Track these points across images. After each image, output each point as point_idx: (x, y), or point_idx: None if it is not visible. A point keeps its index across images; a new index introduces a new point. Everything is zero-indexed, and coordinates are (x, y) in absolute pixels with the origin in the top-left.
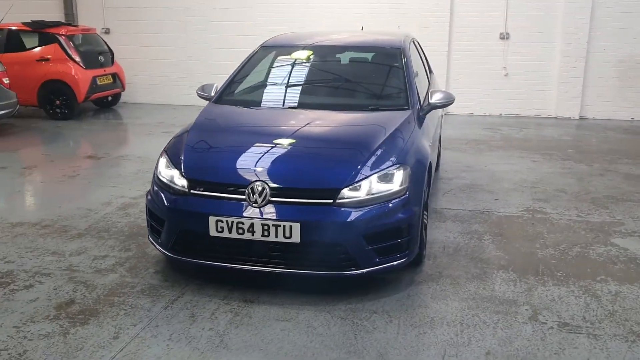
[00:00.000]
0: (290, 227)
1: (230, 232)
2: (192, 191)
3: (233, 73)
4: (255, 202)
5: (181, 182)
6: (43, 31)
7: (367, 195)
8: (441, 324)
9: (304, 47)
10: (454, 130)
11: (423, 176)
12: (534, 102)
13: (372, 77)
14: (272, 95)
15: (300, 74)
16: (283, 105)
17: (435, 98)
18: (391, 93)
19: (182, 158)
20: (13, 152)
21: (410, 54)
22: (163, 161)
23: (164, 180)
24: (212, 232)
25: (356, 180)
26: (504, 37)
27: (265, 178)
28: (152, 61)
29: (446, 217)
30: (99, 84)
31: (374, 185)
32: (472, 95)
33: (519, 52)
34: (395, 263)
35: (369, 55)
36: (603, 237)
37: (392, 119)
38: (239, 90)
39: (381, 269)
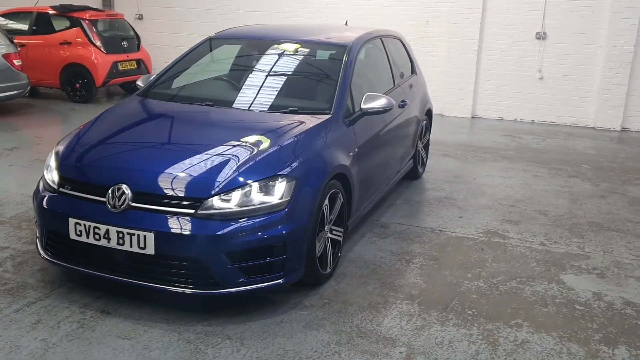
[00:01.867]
0: (145, 237)
1: (87, 236)
2: (60, 189)
3: (169, 65)
4: (114, 206)
5: (54, 178)
6: (68, 15)
7: (239, 207)
8: None
9: (248, 41)
10: (468, 136)
11: (317, 189)
12: (570, 110)
13: (306, 76)
14: (194, 91)
15: (233, 69)
16: (200, 101)
17: (369, 103)
18: (318, 95)
19: (61, 152)
20: (11, 132)
21: (356, 54)
22: (52, 154)
23: (44, 174)
24: (72, 235)
25: (226, 189)
26: (541, 36)
27: (129, 181)
28: (181, 48)
29: (389, 233)
30: (120, 69)
31: (250, 196)
32: (503, 98)
33: (556, 54)
34: (265, 284)
35: (312, 53)
36: (553, 272)
37: (301, 124)
38: (167, 83)
39: (248, 290)
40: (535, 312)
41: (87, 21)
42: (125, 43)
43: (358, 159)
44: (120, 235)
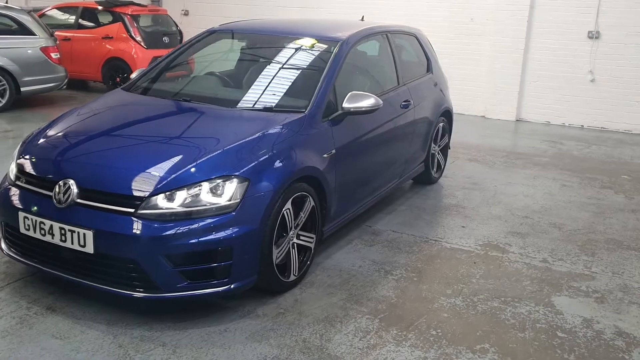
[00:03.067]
0: (84, 235)
1: (35, 231)
2: (17, 182)
3: (162, 58)
4: (60, 201)
5: (13, 170)
6: (111, 10)
7: (183, 207)
8: None
9: (242, 36)
10: (506, 140)
11: (274, 192)
12: (624, 115)
13: (291, 72)
14: (174, 85)
15: (220, 62)
16: (178, 96)
17: (351, 103)
18: (297, 92)
19: (23, 144)
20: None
21: (347, 51)
22: (19, 145)
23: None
24: (22, 229)
25: (170, 188)
26: (593, 36)
27: (77, 176)
28: None
29: (379, 241)
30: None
31: (197, 197)
32: (551, 101)
33: (610, 55)
34: (210, 291)
35: (302, 49)
36: (545, 293)
37: (269, 122)
38: (153, 77)
39: (191, 295)
40: (507, 337)
41: (128, 16)
42: (166, 38)
43: (337, 161)
44: (63, 231)
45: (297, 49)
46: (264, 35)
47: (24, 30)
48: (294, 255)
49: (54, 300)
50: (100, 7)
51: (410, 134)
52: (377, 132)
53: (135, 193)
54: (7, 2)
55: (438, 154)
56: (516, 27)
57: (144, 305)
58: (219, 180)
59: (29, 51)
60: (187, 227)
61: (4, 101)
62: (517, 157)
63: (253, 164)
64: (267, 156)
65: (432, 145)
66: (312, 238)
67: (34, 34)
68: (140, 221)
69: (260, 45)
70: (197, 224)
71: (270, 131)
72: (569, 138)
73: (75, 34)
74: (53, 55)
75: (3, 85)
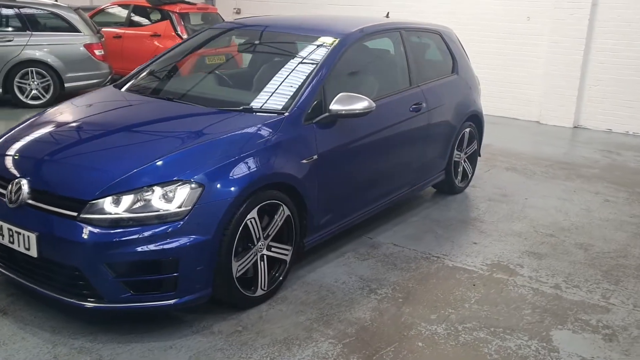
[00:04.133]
0: (28, 237)
1: None
2: None
3: (160, 54)
4: (11, 201)
5: None
6: (160, 7)
7: (127, 213)
8: None
9: (239, 32)
10: (555, 148)
11: (234, 200)
12: None
13: (280, 72)
14: (161, 82)
15: (214, 59)
16: (156, 93)
17: (340, 105)
18: (283, 92)
19: None
20: None
21: (343, 50)
22: None
23: None
24: None
25: (115, 192)
26: None
27: (30, 175)
28: None
29: (375, 255)
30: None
31: (145, 202)
32: (613, 107)
33: None
34: (155, 304)
35: (298, 47)
36: (546, 325)
37: (243, 124)
38: (148, 73)
39: (136, 307)
40: None
41: (176, 14)
42: None
43: (321, 168)
44: (11, 233)
45: (291, 47)
46: (261, 32)
47: (69, 27)
48: (263, 269)
49: (9, 303)
50: (148, 5)
51: (423, 140)
52: (375, 137)
53: (79, 196)
54: (56, 0)
55: (464, 162)
56: (576, 26)
57: (99, 313)
58: (172, 185)
59: (73, 48)
60: (130, 234)
61: (48, 96)
62: (561, 167)
63: (211, 168)
64: (229, 160)
65: (456, 152)
66: (288, 250)
67: (79, 31)
68: (83, 226)
69: (255, 42)
70: (141, 232)
71: (240, 133)
72: (628, 148)
73: (126, 32)
74: (97, 52)
75: (47, 81)
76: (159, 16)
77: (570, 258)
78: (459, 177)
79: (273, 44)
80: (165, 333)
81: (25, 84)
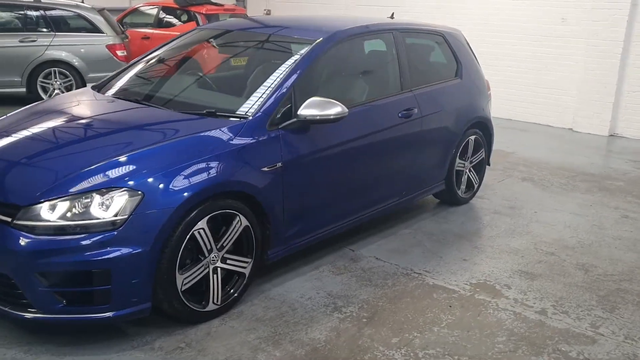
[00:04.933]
0: None
1: None
2: None
3: (144, 54)
4: None
5: None
6: (186, 9)
7: (62, 220)
8: None
9: (220, 33)
10: (583, 157)
11: (176, 209)
12: None
13: (253, 74)
14: (137, 83)
15: (187, 62)
16: (127, 96)
17: (309, 110)
18: (250, 95)
19: None
20: None
21: (319, 51)
22: None
23: None
24: None
25: (52, 197)
26: None
27: None
28: None
29: (352, 269)
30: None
31: (86, 209)
32: None
33: None
34: (89, 316)
35: (275, 49)
36: (518, 356)
37: (200, 128)
38: (130, 74)
39: (69, 319)
40: None
41: (202, 15)
42: None
43: (287, 176)
44: None
45: (266, 49)
46: (242, 33)
47: (93, 28)
48: (215, 282)
49: None
50: (175, 6)
51: (415, 147)
52: (356, 144)
53: (14, 200)
54: (82, 1)
55: (469, 171)
56: (614, 29)
57: (41, 324)
58: (110, 192)
59: (96, 49)
60: (61, 243)
61: None
62: (584, 179)
63: (153, 175)
64: (175, 167)
65: (458, 161)
66: (247, 263)
67: (101, 32)
68: (15, 232)
69: (234, 44)
70: (73, 241)
71: (194, 138)
72: None
73: (154, 32)
74: (119, 52)
75: (70, 81)
76: (185, 17)
77: (566, 280)
78: (463, 188)
79: (249, 46)
80: (104, 346)
81: (48, 83)
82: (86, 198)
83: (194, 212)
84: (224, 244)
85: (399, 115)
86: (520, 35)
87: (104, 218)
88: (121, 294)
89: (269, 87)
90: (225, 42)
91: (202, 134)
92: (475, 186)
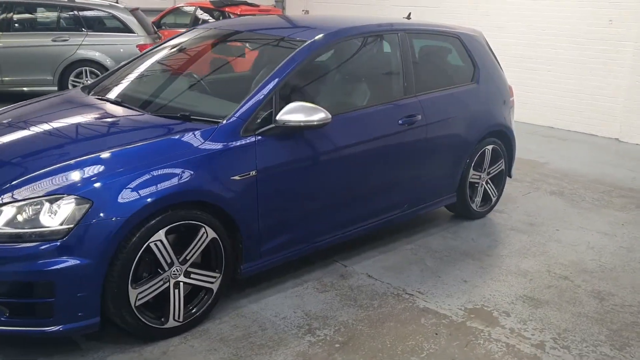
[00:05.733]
0: None
1: None
2: None
3: (136, 56)
4: None
5: None
6: (221, 9)
7: (7, 227)
8: None
9: (211, 33)
10: (624, 171)
11: (129, 219)
12: None
13: (239, 74)
14: (123, 84)
15: (181, 63)
16: (109, 97)
17: (289, 115)
18: (229, 99)
19: None
20: None
21: (307, 53)
22: None
23: None
24: None
25: None
26: None
27: None
28: None
29: (338, 287)
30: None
31: (35, 216)
32: None
33: None
34: (32, 329)
35: (267, 50)
36: None
37: (167, 132)
38: (121, 75)
39: (12, 332)
40: None
41: (237, 15)
42: None
43: (262, 186)
44: None
45: (256, 50)
46: (232, 33)
47: (124, 28)
48: (177, 297)
49: None
50: (211, 7)
51: (418, 157)
52: (344, 153)
53: None
54: (117, 1)
55: (487, 183)
56: None
57: None
58: (59, 200)
59: (126, 48)
60: (4, 252)
61: None
62: (621, 194)
63: (106, 182)
64: (131, 174)
65: (473, 172)
66: (214, 277)
67: (133, 32)
68: None
69: (224, 45)
70: (15, 250)
71: (157, 143)
72: None
73: None
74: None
75: None
76: (222, 18)
77: (575, 309)
78: (477, 201)
79: (237, 47)
80: None
81: (80, 82)
82: (37, 205)
83: (150, 223)
84: (187, 258)
85: (400, 122)
86: (563, 38)
87: (50, 227)
88: (66, 308)
89: (249, 91)
90: (215, 43)
91: (168, 138)
92: (493, 199)
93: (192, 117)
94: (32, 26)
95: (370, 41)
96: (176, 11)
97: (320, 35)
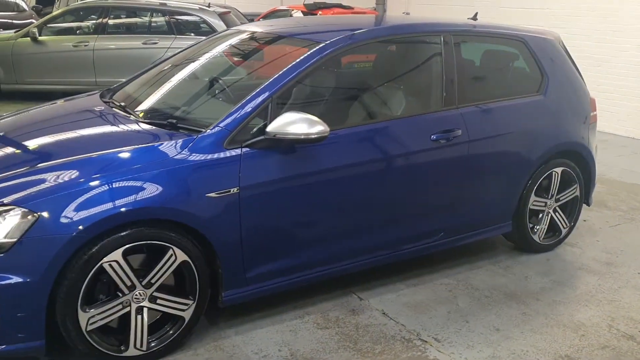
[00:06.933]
0: None
1: None
2: None
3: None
4: None
5: None
6: (314, 12)
7: None
8: None
9: (232, 35)
10: None
11: (81, 236)
12: None
13: (241, 80)
14: (135, 89)
15: (192, 69)
16: (116, 102)
17: (280, 127)
18: (221, 107)
19: None
20: None
21: (313, 59)
22: None
23: None
24: None
25: None
26: None
27: None
28: None
29: (343, 324)
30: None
31: None
32: None
33: None
34: None
35: (279, 54)
36: None
37: (142, 140)
38: (139, 79)
39: None
40: None
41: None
42: None
43: (246, 205)
44: None
45: (268, 55)
46: (245, 38)
47: (212, 31)
48: (139, 324)
49: None
50: (304, 9)
51: (457, 178)
52: (355, 172)
53: None
54: (209, 5)
55: (555, 211)
56: None
57: None
58: (3, 211)
59: None
60: None
61: None
62: None
63: (56, 194)
64: (85, 186)
65: (535, 198)
66: (186, 305)
67: None
68: None
69: (236, 50)
70: None
71: (126, 152)
72: None
73: None
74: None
75: None
76: None
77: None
78: (542, 231)
79: (247, 51)
80: None
81: None
82: None
83: (104, 241)
84: (152, 281)
85: (433, 137)
86: None
87: None
88: (4, 328)
89: (241, 98)
90: (228, 48)
91: (139, 147)
92: (563, 231)
93: (179, 125)
94: (125, 30)
95: (401, 45)
96: (275, 14)
97: (335, 39)
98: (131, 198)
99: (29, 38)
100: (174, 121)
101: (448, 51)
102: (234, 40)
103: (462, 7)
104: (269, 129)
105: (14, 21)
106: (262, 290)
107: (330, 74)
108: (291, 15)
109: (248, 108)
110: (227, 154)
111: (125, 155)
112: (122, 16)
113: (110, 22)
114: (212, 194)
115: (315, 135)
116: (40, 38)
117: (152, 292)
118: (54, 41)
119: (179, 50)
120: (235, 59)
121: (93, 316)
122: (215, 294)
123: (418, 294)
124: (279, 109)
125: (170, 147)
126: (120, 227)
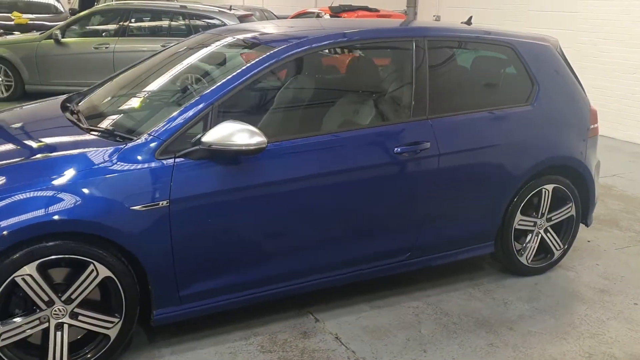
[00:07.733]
0: None
1: None
2: None
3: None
4: None
5: None
6: (339, 15)
7: None
8: None
9: (200, 39)
10: None
11: None
12: None
13: (186, 86)
14: (94, 96)
15: (160, 72)
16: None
17: (215, 137)
18: (163, 114)
19: None
20: None
21: (268, 64)
22: None
23: None
24: None
25: None
26: None
27: None
28: None
29: (288, 348)
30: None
31: None
32: None
33: None
34: None
35: (234, 60)
36: None
37: (65, 149)
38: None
39: None
40: None
41: None
42: None
43: (178, 219)
44: None
45: (214, 59)
46: (207, 43)
47: None
48: (58, 340)
49: None
50: (329, 12)
51: (425, 194)
52: (300, 186)
53: None
54: (230, 8)
55: (546, 232)
56: None
57: None
58: None
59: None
60: None
61: None
62: None
63: None
64: None
65: (521, 217)
66: (111, 322)
67: None
68: None
69: (199, 53)
70: None
71: (45, 162)
72: None
73: None
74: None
75: None
76: None
77: None
78: (530, 252)
79: (205, 57)
80: None
81: None
82: None
83: (16, 255)
84: (72, 297)
85: (396, 150)
86: None
87: None
88: None
89: (179, 106)
90: (189, 54)
91: (62, 156)
92: (556, 252)
93: (116, 133)
94: (145, 32)
95: (368, 51)
96: (303, 15)
97: (287, 45)
98: (42, 210)
99: (52, 40)
100: (112, 129)
101: (420, 57)
102: (196, 46)
103: (492, 10)
104: (204, 139)
105: (49, 23)
106: (200, 309)
107: (283, 82)
108: (318, 16)
109: (183, 117)
110: (156, 164)
111: (45, 164)
112: (143, 19)
113: (131, 25)
114: (137, 207)
115: (255, 147)
116: (63, 40)
117: (74, 309)
118: (76, 43)
119: (148, 55)
120: (195, 65)
121: (6, 331)
122: (149, 312)
123: (381, 317)
124: (221, 118)
125: (96, 156)
126: (31, 241)
